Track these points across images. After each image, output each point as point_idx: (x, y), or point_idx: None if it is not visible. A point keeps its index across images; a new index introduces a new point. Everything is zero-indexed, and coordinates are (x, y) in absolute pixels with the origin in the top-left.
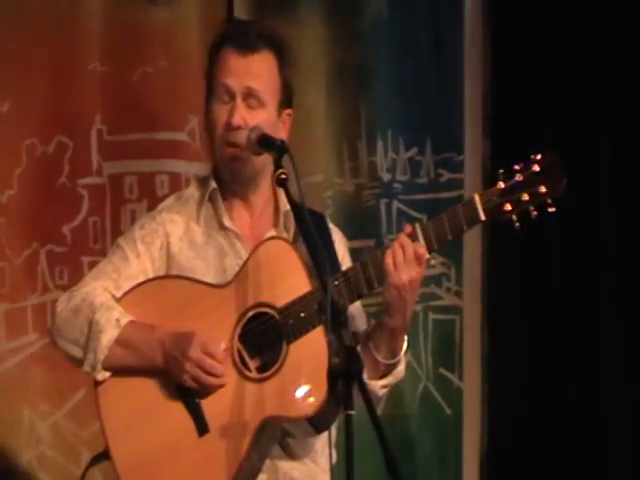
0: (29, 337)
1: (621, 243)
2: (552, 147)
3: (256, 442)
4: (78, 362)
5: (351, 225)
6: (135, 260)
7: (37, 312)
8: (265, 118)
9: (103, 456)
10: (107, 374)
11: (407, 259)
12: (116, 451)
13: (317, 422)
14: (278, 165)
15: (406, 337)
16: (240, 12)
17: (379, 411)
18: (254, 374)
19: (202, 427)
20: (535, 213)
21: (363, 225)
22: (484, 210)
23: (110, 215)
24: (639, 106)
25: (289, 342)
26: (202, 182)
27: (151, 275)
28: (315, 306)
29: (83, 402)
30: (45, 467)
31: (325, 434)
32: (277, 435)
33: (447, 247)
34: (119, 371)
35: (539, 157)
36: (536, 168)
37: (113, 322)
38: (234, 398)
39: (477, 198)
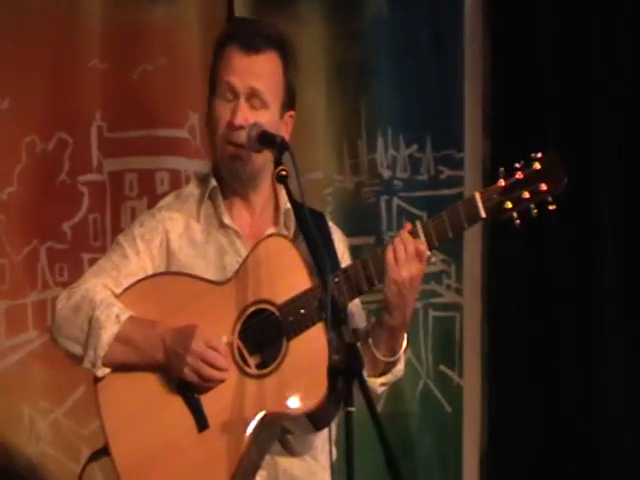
0: (29, 334)
1: (622, 240)
2: (552, 144)
3: (256, 439)
4: (78, 359)
5: (351, 222)
6: (135, 257)
7: (37, 309)
8: (268, 119)
9: (102, 452)
10: (107, 370)
11: (408, 255)
12: (116, 448)
13: (317, 419)
14: (278, 162)
15: (406, 336)
16: (240, 9)
17: (379, 408)
18: (254, 370)
19: (202, 423)
20: (535, 211)
21: (363, 222)
22: (485, 208)
23: (110, 212)
24: None
25: (289, 339)
26: (202, 180)
27: (150, 272)
28: (315, 303)
29: (83, 400)
30: (45, 465)
31: (325, 431)
32: (277, 432)
33: (447, 244)
34: (119, 368)
35: (540, 155)
36: (537, 166)
37: (113, 318)
38: (234, 394)
39: (478, 196)
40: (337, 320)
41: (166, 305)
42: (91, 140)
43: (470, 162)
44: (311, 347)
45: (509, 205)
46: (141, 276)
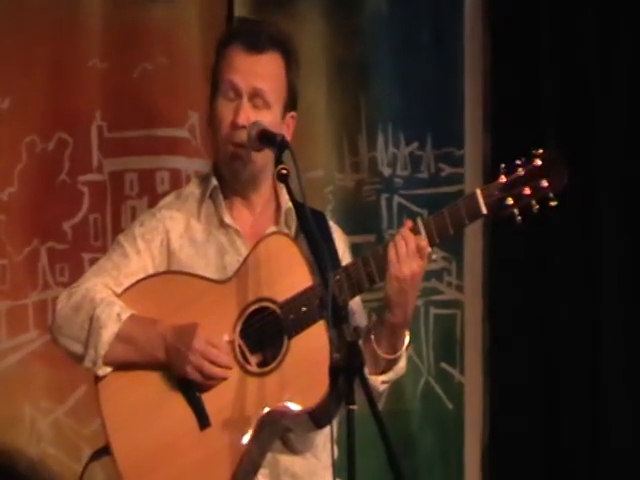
0: (30, 334)
1: (622, 237)
2: (553, 142)
3: (257, 437)
4: (79, 358)
5: (352, 220)
6: (135, 257)
7: (38, 309)
8: (270, 119)
9: (103, 452)
10: (108, 369)
11: (409, 252)
12: (117, 447)
13: (318, 417)
14: (279, 161)
15: (408, 333)
16: (240, 8)
17: (380, 406)
18: (255, 369)
19: (204, 421)
20: (537, 207)
21: (364, 220)
22: (486, 204)
23: (111, 212)
24: None
25: (290, 337)
26: (203, 180)
27: (151, 272)
28: (316, 301)
29: (84, 399)
30: (46, 464)
31: (326, 429)
32: (278, 430)
33: (448, 242)
34: (120, 367)
35: (541, 151)
36: (538, 162)
37: (114, 317)
38: (235, 393)
39: (479, 192)
40: (338, 318)
41: (167, 304)
42: (91, 140)
43: (470, 159)
44: (312, 345)
45: (510, 201)
46: (142, 275)
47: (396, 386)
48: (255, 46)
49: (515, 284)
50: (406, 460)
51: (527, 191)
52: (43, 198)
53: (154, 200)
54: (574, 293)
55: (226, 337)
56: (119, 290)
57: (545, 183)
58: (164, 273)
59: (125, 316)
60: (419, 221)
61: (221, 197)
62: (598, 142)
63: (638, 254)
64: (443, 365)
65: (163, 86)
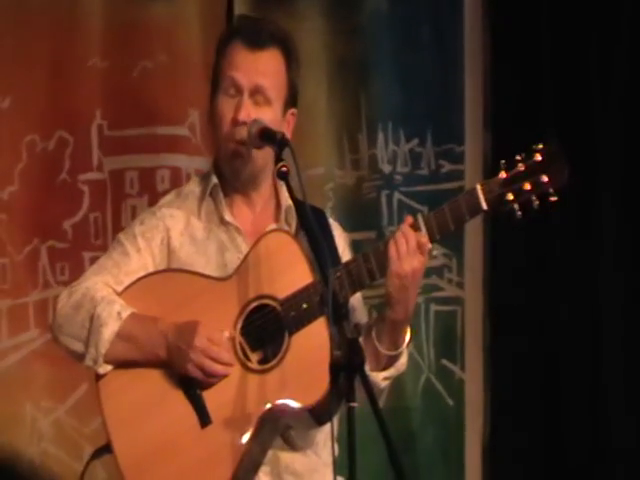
0: (31, 333)
1: (622, 233)
2: (553, 137)
3: (258, 434)
4: (80, 357)
5: (352, 217)
6: (136, 255)
7: (39, 308)
8: (271, 116)
9: (104, 450)
10: (109, 367)
11: (410, 248)
12: (118, 445)
13: (318, 414)
14: (279, 158)
15: (409, 329)
16: (240, 6)
17: (381, 403)
18: (256, 366)
19: (205, 419)
20: (537, 203)
21: (364, 217)
22: (486, 199)
23: (111, 210)
24: None
25: (291, 333)
26: (203, 178)
27: (151, 270)
28: (317, 298)
29: (85, 398)
30: (47, 463)
31: (327, 427)
32: (279, 427)
33: (448, 238)
34: (121, 365)
35: (541, 146)
36: (538, 158)
37: (114, 315)
38: (236, 390)
39: (479, 187)
40: (339, 315)
41: (167, 302)
42: (91, 138)
43: (470, 156)
44: (313, 342)
45: (510, 197)
46: (142, 274)
47: (397, 383)
48: (256, 43)
49: (515, 281)
50: (407, 457)
51: (527, 186)
52: (43, 197)
53: (154, 198)
54: (574, 289)
55: (227, 334)
56: (119, 288)
57: (545, 178)
58: (164, 271)
59: (126, 314)
60: (419, 217)
61: (221, 195)
62: (598, 141)
63: (638, 254)
64: (444, 362)
65: (163, 84)
